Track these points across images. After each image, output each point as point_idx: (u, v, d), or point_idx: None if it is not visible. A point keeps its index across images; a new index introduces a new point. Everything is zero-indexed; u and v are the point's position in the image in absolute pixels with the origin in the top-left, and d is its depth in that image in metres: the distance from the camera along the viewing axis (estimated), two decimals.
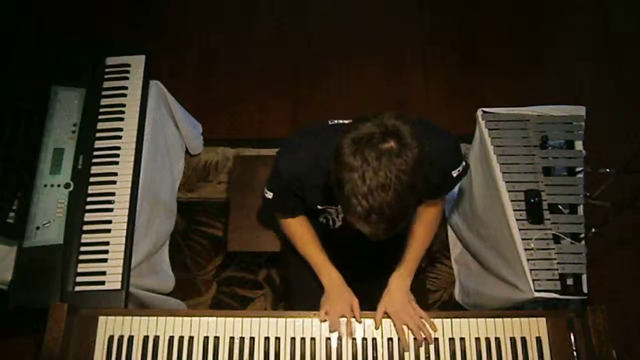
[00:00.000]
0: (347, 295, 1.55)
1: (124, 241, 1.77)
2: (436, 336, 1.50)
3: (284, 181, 1.47)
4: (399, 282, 1.56)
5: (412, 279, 1.59)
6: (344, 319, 1.52)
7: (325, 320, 1.52)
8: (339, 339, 1.51)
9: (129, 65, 2.04)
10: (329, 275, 1.58)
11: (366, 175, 1.11)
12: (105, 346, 1.49)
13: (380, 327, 1.52)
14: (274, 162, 1.50)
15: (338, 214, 1.62)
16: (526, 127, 1.87)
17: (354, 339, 1.51)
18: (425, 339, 1.49)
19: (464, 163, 1.52)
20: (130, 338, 1.50)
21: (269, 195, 1.56)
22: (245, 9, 3.07)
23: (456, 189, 2.20)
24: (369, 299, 1.63)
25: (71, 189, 1.83)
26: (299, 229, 1.64)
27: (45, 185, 1.83)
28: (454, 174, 1.50)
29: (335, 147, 1.17)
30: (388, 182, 1.11)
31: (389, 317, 1.53)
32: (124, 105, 1.97)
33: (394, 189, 1.11)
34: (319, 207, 1.56)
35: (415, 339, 1.50)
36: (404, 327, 1.51)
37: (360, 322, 1.52)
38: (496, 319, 1.51)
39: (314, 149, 1.40)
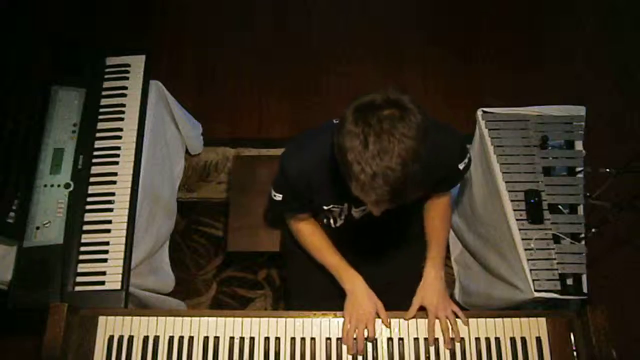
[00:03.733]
0: (371, 301, 1.52)
1: (124, 241, 1.77)
2: (436, 336, 1.50)
3: (290, 182, 1.46)
4: (435, 275, 1.56)
5: (444, 270, 1.59)
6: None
7: (348, 330, 1.49)
8: (339, 339, 1.51)
9: (129, 65, 2.04)
10: (352, 280, 1.56)
11: (369, 140, 1.11)
12: (105, 346, 1.49)
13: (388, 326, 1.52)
14: (280, 163, 1.48)
15: (342, 213, 1.62)
16: (526, 127, 1.86)
17: (354, 339, 1.50)
18: (453, 338, 1.49)
19: (469, 155, 1.53)
20: (130, 338, 1.50)
21: (278, 197, 1.54)
22: (245, 8, 3.07)
23: (456, 188, 2.20)
24: None
25: (71, 189, 1.83)
26: (312, 235, 1.63)
27: (45, 185, 1.83)
28: (461, 166, 1.51)
29: (339, 119, 1.17)
30: (391, 147, 1.11)
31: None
32: (124, 105, 1.97)
33: (398, 153, 1.11)
34: (324, 207, 1.55)
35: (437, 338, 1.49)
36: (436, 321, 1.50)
37: (388, 327, 1.51)
38: (496, 319, 1.51)
39: (319, 148, 1.39)
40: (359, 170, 1.13)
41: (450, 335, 1.49)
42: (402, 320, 1.52)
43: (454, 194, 2.26)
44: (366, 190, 1.16)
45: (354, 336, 1.49)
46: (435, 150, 1.23)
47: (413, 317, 1.52)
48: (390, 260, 1.73)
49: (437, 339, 1.50)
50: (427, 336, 1.50)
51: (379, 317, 1.52)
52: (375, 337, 1.50)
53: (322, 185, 1.44)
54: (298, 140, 1.49)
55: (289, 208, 1.62)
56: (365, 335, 1.50)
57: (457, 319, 1.51)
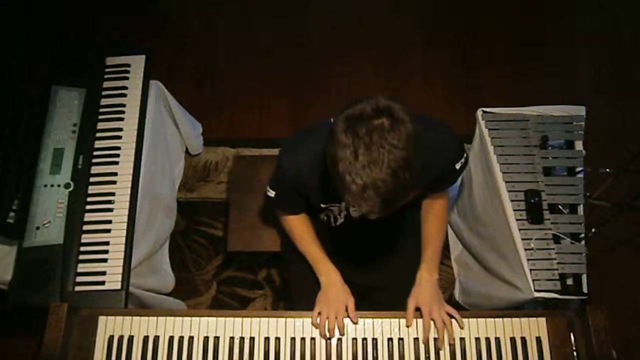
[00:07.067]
0: (343, 295, 1.54)
1: (124, 241, 1.77)
2: (436, 336, 1.50)
3: (286, 180, 1.48)
4: (428, 277, 1.56)
5: (438, 274, 1.59)
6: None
7: (316, 322, 1.51)
8: (339, 339, 1.50)
9: (129, 65, 2.04)
10: (327, 273, 1.58)
11: (358, 151, 1.11)
12: (105, 346, 1.49)
13: (376, 327, 1.51)
14: (277, 160, 1.50)
15: (340, 212, 1.62)
16: (526, 127, 1.86)
17: (354, 339, 1.50)
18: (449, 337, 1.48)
19: (465, 154, 1.53)
20: (130, 338, 1.50)
21: (271, 193, 1.57)
22: (245, 8, 3.07)
23: (455, 188, 2.20)
24: (367, 298, 1.62)
25: (71, 189, 1.83)
26: (298, 227, 1.65)
27: (45, 185, 1.83)
28: (457, 166, 1.51)
29: (330, 128, 1.18)
30: (381, 158, 1.11)
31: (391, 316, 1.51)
32: (124, 105, 1.97)
33: (388, 164, 1.11)
34: (322, 205, 1.56)
35: (437, 338, 1.49)
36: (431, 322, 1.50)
37: (356, 323, 1.51)
38: (496, 319, 1.51)
39: (315, 147, 1.40)
40: (350, 181, 1.13)
41: (446, 336, 1.49)
42: (402, 320, 1.52)
43: (453, 194, 2.27)
44: (358, 201, 1.17)
45: (326, 328, 1.49)
46: (431, 151, 1.23)
47: (414, 318, 1.51)
48: (390, 260, 1.73)
49: (436, 339, 1.49)
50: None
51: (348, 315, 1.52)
52: (342, 333, 1.50)
53: (318, 183, 1.45)
54: (295, 138, 1.50)
55: (281, 206, 1.63)
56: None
57: (452, 320, 1.51)
